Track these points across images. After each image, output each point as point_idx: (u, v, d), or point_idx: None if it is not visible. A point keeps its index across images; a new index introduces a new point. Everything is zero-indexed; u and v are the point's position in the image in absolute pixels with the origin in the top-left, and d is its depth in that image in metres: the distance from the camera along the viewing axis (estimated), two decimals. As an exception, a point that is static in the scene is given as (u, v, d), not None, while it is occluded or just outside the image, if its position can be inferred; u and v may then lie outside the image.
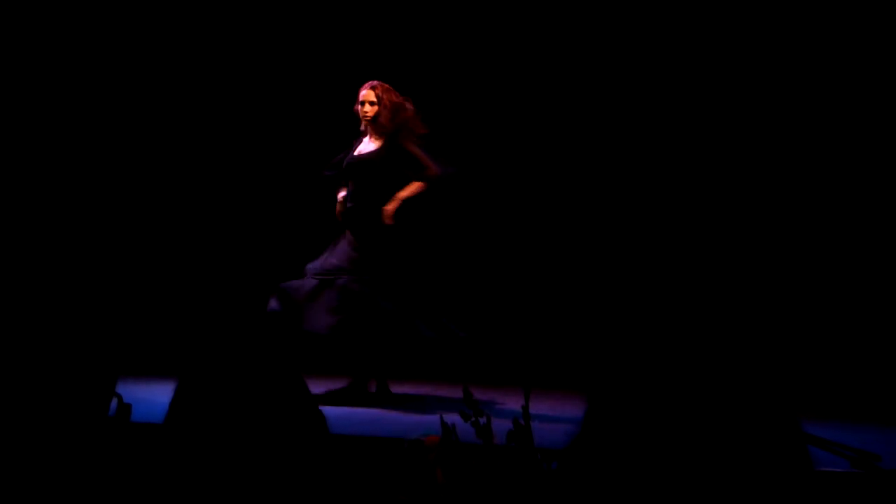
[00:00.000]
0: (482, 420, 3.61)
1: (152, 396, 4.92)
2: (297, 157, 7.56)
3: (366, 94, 6.17)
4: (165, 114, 7.58)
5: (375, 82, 6.19)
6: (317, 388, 6.21)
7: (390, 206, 6.06)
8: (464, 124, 7.46)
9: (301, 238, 7.19)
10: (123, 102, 7.50)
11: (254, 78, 7.60)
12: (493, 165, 7.45)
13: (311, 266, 6.14)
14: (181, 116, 7.61)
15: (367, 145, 6.21)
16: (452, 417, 3.81)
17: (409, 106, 6.16)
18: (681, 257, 7.00)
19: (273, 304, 6.01)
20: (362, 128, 6.23)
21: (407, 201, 6.07)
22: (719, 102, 7.02)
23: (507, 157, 7.44)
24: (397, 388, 6.20)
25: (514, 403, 5.93)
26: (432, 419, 5.00)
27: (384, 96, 6.13)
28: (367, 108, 6.14)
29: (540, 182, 7.38)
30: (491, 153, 7.46)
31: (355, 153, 6.22)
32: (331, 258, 6.10)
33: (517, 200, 7.42)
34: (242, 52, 7.61)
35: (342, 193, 6.24)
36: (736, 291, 6.82)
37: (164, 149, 7.59)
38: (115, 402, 3.13)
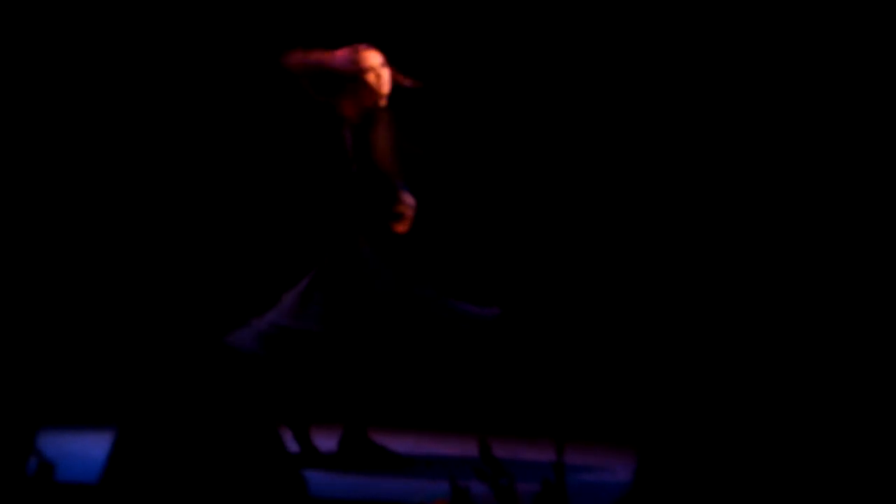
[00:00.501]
0: (503, 481, 3.61)
1: (84, 451, 4.90)
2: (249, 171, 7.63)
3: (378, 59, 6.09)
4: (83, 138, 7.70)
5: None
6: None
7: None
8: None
9: (273, 257, 7.18)
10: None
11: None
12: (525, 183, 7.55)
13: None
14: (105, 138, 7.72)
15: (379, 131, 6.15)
16: (466, 478, 3.80)
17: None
18: (748, 293, 7.11)
19: None
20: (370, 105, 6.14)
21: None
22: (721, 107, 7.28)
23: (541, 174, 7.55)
24: (394, 441, 6.19)
25: (543, 460, 5.92)
26: (440, 479, 5.00)
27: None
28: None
29: (577, 205, 7.48)
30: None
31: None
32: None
33: (549, 220, 7.52)
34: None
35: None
36: (811, 330, 6.92)
37: (88, 166, 7.67)
38: (34, 459, 3.12)
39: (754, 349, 7.00)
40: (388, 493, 5.25)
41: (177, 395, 2.48)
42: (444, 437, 6.50)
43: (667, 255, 7.37)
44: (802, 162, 7.20)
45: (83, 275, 7.66)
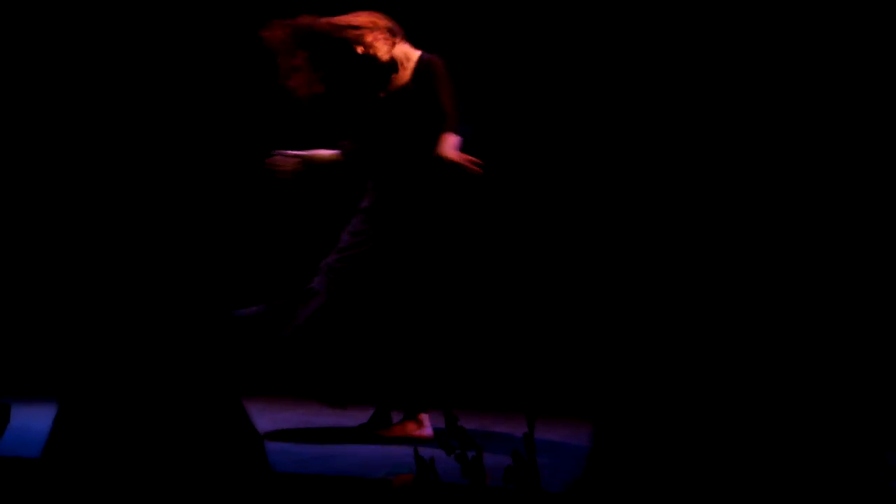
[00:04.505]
0: (471, 454, 3.63)
1: (26, 423, 4.92)
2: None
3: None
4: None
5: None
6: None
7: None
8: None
9: (229, 228, 7.24)
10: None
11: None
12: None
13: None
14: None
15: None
16: (431, 450, 3.83)
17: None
18: (720, 266, 7.25)
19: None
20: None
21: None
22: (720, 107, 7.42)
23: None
24: (355, 412, 6.23)
25: (513, 433, 5.94)
26: (403, 452, 5.03)
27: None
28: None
29: (549, 183, 7.60)
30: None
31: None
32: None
33: (526, 202, 7.62)
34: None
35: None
36: (785, 302, 7.05)
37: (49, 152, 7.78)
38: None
39: (750, 314, 7.13)
40: (351, 467, 5.29)
41: (124, 365, 2.52)
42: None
43: (644, 244, 7.50)
44: (802, 162, 7.32)
45: (32, 249, 7.72)
